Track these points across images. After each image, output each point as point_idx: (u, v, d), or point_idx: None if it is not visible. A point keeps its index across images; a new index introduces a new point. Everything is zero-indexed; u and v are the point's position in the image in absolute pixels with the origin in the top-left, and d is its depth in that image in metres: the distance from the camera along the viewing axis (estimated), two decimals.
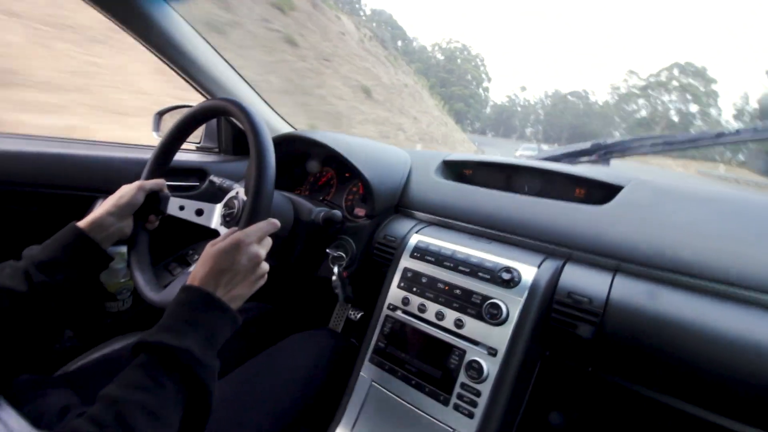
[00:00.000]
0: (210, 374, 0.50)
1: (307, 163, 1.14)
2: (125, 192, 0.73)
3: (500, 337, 0.65)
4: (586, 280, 0.66)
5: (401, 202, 0.96)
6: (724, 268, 0.59)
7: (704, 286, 0.59)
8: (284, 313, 1.13)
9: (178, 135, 0.82)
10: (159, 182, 0.79)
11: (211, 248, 0.58)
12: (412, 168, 1.03)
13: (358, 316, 1.21)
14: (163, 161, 0.83)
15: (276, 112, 1.20)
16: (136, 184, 0.75)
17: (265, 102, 1.17)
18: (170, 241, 1.16)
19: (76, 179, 0.96)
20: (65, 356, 0.86)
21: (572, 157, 1.07)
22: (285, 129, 1.22)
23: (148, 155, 0.88)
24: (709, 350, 0.54)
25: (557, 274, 0.68)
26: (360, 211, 1.02)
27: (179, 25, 0.96)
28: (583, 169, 0.88)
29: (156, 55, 0.98)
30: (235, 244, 0.58)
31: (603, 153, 1.03)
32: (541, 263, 0.69)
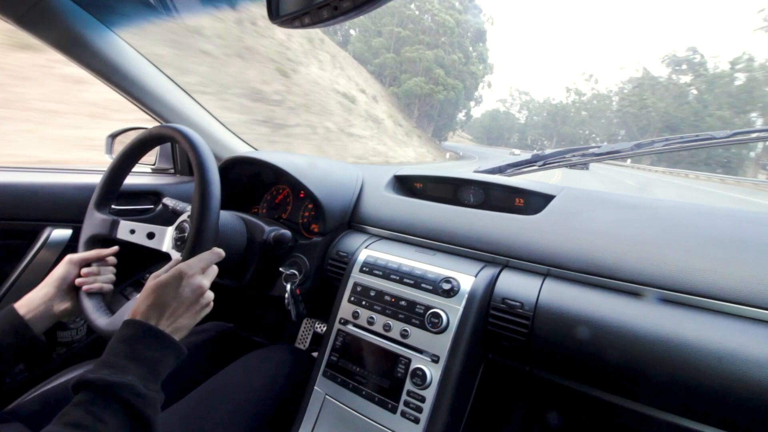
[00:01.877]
0: (152, 407, 0.51)
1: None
2: (57, 269, 0.74)
3: (441, 344, 0.69)
4: (518, 286, 0.71)
5: (354, 218, 1.00)
6: (638, 270, 0.65)
7: (620, 287, 0.65)
8: (246, 332, 1.13)
9: (127, 160, 0.84)
10: (94, 253, 0.78)
11: (152, 281, 0.60)
12: (364, 183, 1.07)
13: (324, 328, 1.23)
14: (112, 186, 0.84)
15: (233, 132, 1.21)
16: (66, 258, 0.75)
17: (221, 123, 1.18)
18: (125, 266, 1.15)
19: (25, 208, 0.94)
20: (17, 390, 0.84)
21: (515, 167, 1.14)
22: (242, 148, 1.24)
23: (98, 179, 0.89)
24: (628, 346, 0.60)
25: (493, 281, 0.73)
26: (316, 227, 1.05)
27: (125, 51, 0.96)
28: (520, 180, 0.94)
29: (103, 82, 0.98)
30: (177, 276, 0.59)
31: (542, 163, 1.10)
32: (478, 272, 0.74)
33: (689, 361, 0.55)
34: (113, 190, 0.85)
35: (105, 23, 0.88)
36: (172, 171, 1.28)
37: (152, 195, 1.17)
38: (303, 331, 1.39)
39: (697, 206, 0.75)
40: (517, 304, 0.69)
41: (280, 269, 0.90)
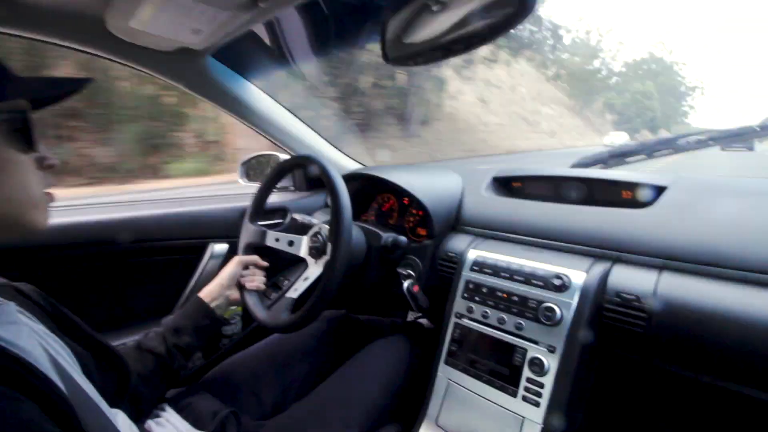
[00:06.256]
0: None
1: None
2: (229, 267, 0.95)
3: (557, 335, 0.74)
4: (633, 280, 0.73)
5: (458, 221, 1.08)
6: (763, 258, 0.63)
7: (743, 277, 0.64)
8: (355, 312, 1.27)
9: (270, 183, 1.05)
10: (254, 258, 1.00)
11: None
12: (464, 187, 1.14)
13: (426, 322, 1.34)
14: (260, 203, 1.06)
15: (342, 152, 1.39)
16: (235, 259, 0.97)
17: (333, 145, 1.36)
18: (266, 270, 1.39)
19: (194, 230, 1.21)
20: (198, 372, 1.09)
21: (619, 157, 1.12)
22: (351, 165, 1.41)
23: (241, 203, 1.11)
24: (753, 335, 0.60)
25: (605, 276, 0.76)
26: (422, 231, 1.16)
27: (256, 94, 1.17)
28: (625, 173, 0.94)
29: (239, 120, 1.20)
30: None
31: (650, 152, 1.07)
32: (589, 267, 0.78)
33: None
34: (261, 207, 1.06)
35: (244, 76, 1.09)
36: (292, 189, 1.50)
37: (280, 210, 1.38)
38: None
39: None
40: (633, 297, 0.71)
41: (398, 270, 1.02)
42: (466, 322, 0.88)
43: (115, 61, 0.90)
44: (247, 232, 1.03)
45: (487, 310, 0.85)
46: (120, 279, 1.14)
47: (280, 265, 1.39)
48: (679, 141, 1.00)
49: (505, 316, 0.82)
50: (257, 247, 1.03)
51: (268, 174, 1.04)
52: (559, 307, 0.75)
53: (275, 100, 1.22)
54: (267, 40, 1.04)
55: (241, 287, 0.96)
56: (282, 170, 1.02)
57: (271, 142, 1.30)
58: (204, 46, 0.87)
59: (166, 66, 0.94)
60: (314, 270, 0.94)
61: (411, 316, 1.49)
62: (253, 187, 1.43)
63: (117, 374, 0.65)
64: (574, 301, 0.75)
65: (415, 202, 1.08)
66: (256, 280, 0.98)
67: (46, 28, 0.76)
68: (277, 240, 1.00)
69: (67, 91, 0.52)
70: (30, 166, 0.48)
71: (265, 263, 1.01)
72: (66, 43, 0.80)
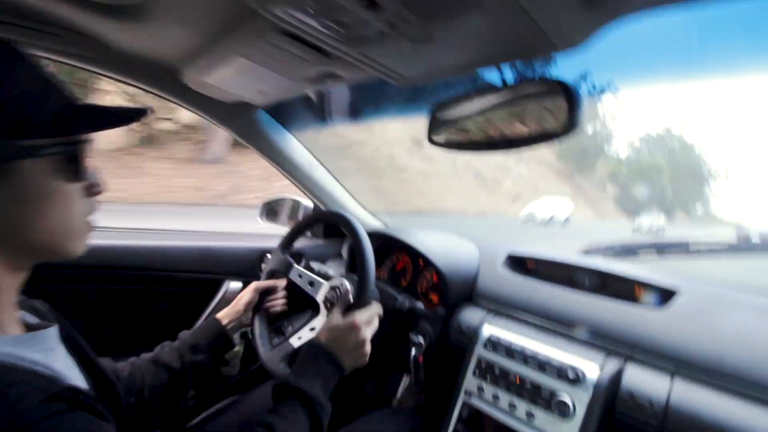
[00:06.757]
0: (325, 414, 0.68)
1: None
2: (246, 293, 0.98)
3: (569, 429, 0.74)
4: (646, 383, 0.74)
5: (473, 292, 1.10)
6: None
7: (753, 394, 0.65)
8: (355, 383, 1.26)
9: (306, 225, 1.10)
10: (272, 283, 1.02)
11: (332, 323, 0.80)
12: (480, 260, 1.18)
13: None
14: (294, 237, 1.08)
15: (365, 209, 1.44)
16: (252, 285, 0.99)
17: (357, 202, 1.41)
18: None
19: (210, 265, 1.23)
20: (189, 413, 1.06)
21: (631, 251, 1.16)
22: (372, 222, 1.45)
23: (260, 243, 1.13)
24: None
25: (619, 374, 0.77)
26: (434, 296, 1.17)
27: (296, 146, 1.24)
28: (639, 271, 0.97)
29: (277, 168, 1.26)
30: (350, 325, 0.80)
31: (661, 250, 1.11)
32: (603, 362, 0.79)
33: None
34: (294, 240, 1.09)
35: (287, 128, 1.16)
36: (309, 235, 1.53)
37: (297, 255, 1.40)
38: (403, 392, 1.49)
39: None
40: (646, 401, 0.72)
41: (410, 335, 1.03)
42: (475, 401, 0.88)
43: (176, 103, 0.97)
44: (276, 259, 1.05)
45: (498, 393, 0.85)
46: (135, 304, 1.15)
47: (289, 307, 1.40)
48: (691, 247, 1.04)
49: (516, 401, 0.82)
50: (278, 278, 1.04)
51: (308, 216, 1.13)
52: (572, 400, 0.76)
53: (312, 155, 1.29)
54: (313, 99, 1.12)
55: (253, 312, 0.97)
56: (318, 219, 1.12)
57: (303, 192, 1.35)
58: (263, 103, 0.94)
59: (222, 114, 1.01)
60: (323, 321, 0.95)
61: (405, 381, 1.47)
62: (272, 227, 1.48)
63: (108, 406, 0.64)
64: (588, 396, 0.76)
65: (431, 266, 1.11)
66: (277, 303, 1.01)
67: (127, 70, 0.83)
68: (300, 276, 1.01)
69: (123, 120, 0.49)
70: (77, 194, 0.47)
71: (284, 283, 1.03)
72: (139, 84, 0.88)
